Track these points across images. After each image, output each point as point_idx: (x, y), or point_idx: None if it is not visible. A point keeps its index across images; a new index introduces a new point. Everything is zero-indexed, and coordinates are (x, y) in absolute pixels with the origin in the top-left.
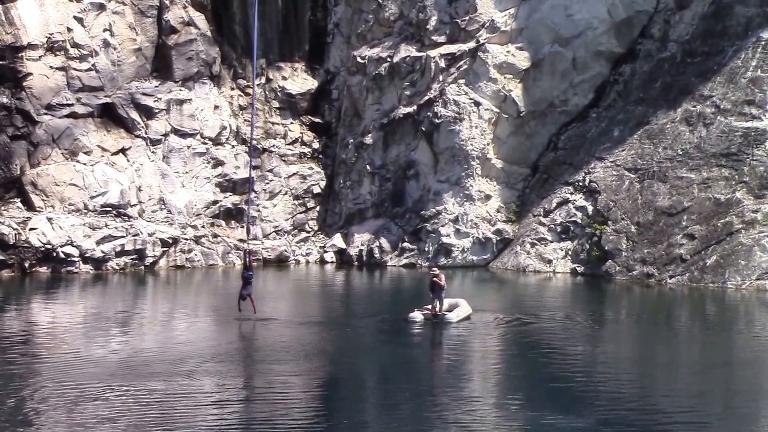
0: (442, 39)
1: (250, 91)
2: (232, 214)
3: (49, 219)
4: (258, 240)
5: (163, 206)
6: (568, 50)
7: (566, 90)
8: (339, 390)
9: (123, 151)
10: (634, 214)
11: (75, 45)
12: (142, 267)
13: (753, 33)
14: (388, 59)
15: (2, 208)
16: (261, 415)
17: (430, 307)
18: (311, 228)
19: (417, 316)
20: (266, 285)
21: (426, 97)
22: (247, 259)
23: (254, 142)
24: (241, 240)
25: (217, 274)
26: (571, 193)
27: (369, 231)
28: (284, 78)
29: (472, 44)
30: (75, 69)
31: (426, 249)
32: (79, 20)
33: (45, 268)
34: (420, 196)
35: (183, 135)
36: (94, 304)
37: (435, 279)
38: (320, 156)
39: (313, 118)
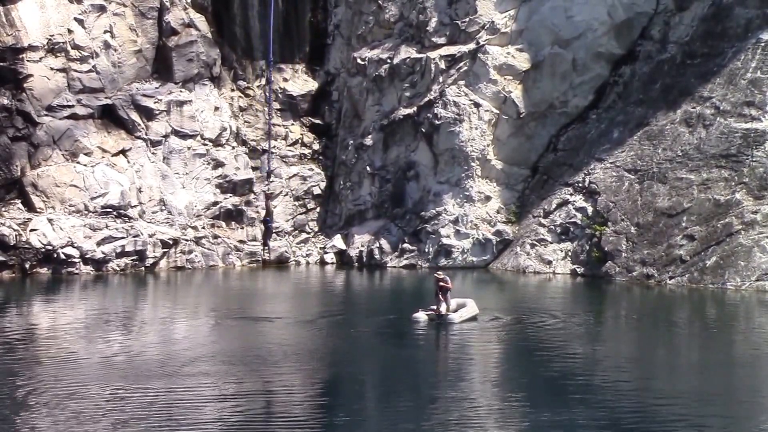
0: (442, 40)
1: (250, 92)
2: (233, 216)
3: (50, 220)
4: (256, 241)
5: (163, 207)
6: (568, 52)
7: (566, 91)
8: (341, 390)
9: (123, 152)
10: (633, 215)
11: (75, 46)
12: (143, 268)
13: (753, 34)
14: (388, 61)
15: (3, 209)
16: (262, 415)
17: (434, 307)
18: (311, 229)
19: (421, 316)
20: (267, 286)
21: (426, 99)
22: (268, 206)
23: (254, 143)
24: (241, 241)
25: (218, 275)
26: (571, 194)
27: (369, 232)
28: (285, 79)
29: (472, 46)
30: (75, 70)
31: (426, 250)
32: (80, 22)
33: (45, 269)
34: (420, 197)
35: (183, 136)
36: (94, 305)
37: (441, 283)
38: (320, 157)
39: (313, 120)
